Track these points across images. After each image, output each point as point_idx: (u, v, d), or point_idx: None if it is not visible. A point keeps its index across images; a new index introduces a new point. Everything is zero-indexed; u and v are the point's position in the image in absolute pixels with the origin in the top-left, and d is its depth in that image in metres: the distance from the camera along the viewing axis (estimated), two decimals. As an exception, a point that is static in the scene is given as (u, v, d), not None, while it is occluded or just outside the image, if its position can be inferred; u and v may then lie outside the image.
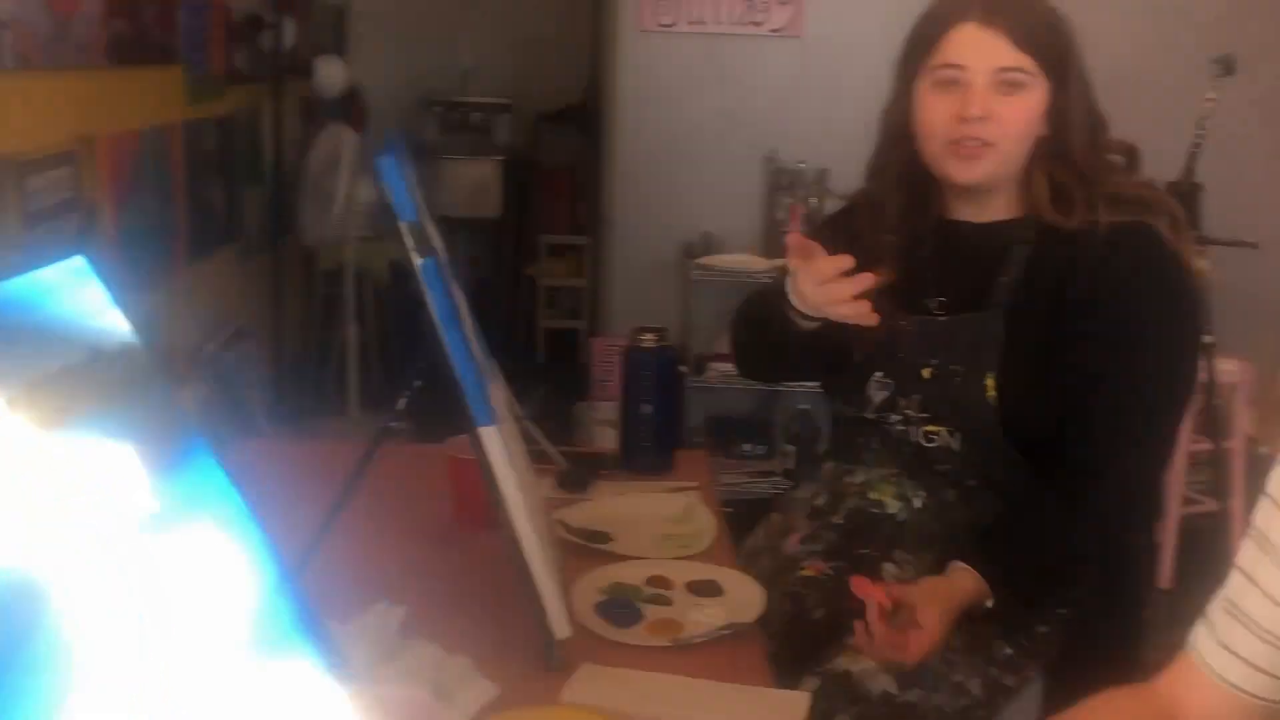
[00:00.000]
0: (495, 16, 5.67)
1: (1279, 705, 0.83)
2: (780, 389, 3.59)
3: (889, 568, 1.43)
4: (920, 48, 1.39)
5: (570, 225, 5.41)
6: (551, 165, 5.54)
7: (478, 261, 5.74)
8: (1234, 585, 0.85)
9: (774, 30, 3.57)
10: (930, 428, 1.44)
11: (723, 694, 1.10)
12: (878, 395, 1.47)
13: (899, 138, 1.44)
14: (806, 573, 1.45)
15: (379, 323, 4.53)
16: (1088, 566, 1.41)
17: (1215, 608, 0.87)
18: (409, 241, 0.98)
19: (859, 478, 1.53)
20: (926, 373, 1.43)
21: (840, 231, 1.52)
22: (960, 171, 1.38)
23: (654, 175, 3.66)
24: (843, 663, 1.32)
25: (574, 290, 5.28)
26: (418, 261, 0.98)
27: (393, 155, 0.97)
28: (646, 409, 1.66)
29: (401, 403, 1.21)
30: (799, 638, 1.38)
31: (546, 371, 4.90)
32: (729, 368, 3.46)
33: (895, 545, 1.46)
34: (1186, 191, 3.06)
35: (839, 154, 3.53)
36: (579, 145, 5.47)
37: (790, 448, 3.54)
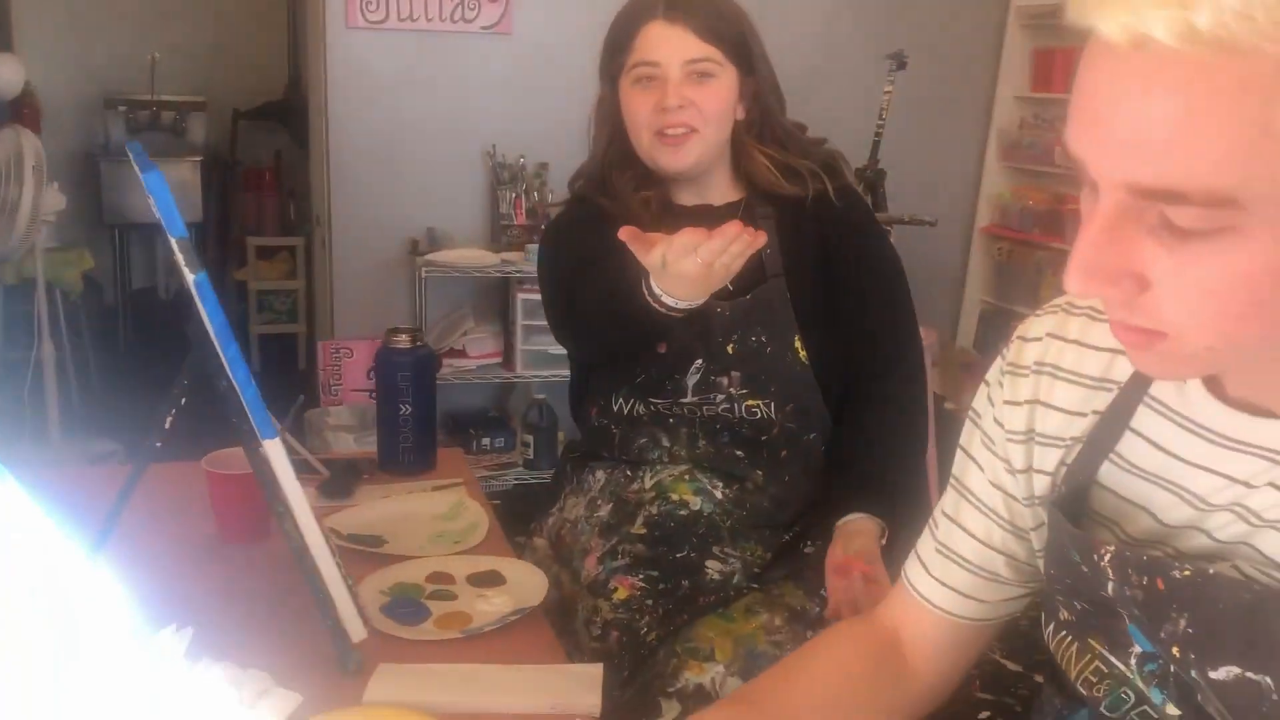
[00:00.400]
0: (183, 8, 5.36)
1: (980, 623, 0.96)
2: (515, 380, 3.65)
3: (713, 566, 1.48)
4: (616, 49, 1.49)
5: (280, 226, 5.21)
6: (253, 164, 5.32)
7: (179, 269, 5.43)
8: (941, 528, 0.98)
9: (484, 27, 3.60)
10: (751, 402, 1.53)
11: (520, 675, 1.15)
12: (692, 379, 1.54)
13: (615, 134, 1.54)
14: (620, 594, 1.45)
15: (75, 339, 4.20)
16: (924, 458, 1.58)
17: (925, 548, 0.99)
18: (181, 257, 0.96)
19: (648, 482, 1.56)
20: (731, 348, 1.52)
21: (585, 229, 1.59)
22: (670, 161, 1.49)
23: (372, 173, 3.60)
24: (691, 678, 1.33)
25: (288, 293, 5.10)
26: (190, 276, 0.96)
27: (156, 169, 0.94)
28: (405, 409, 1.67)
29: (168, 420, 1.17)
30: (640, 663, 1.37)
31: (262, 379, 4.70)
32: (464, 363, 3.49)
33: (712, 542, 1.50)
34: (873, 177, 3.37)
35: (556, 147, 3.65)
36: (282, 143, 5.29)
37: (529, 438, 3.60)
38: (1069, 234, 3.88)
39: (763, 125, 1.53)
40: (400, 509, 1.56)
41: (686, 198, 1.56)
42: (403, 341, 1.67)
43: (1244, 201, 0.55)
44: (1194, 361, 0.66)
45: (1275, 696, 0.66)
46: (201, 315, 1.01)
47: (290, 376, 4.82)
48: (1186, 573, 0.69)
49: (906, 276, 1.63)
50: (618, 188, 1.55)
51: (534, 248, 3.51)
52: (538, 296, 3.45)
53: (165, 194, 0.93)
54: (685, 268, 1.27)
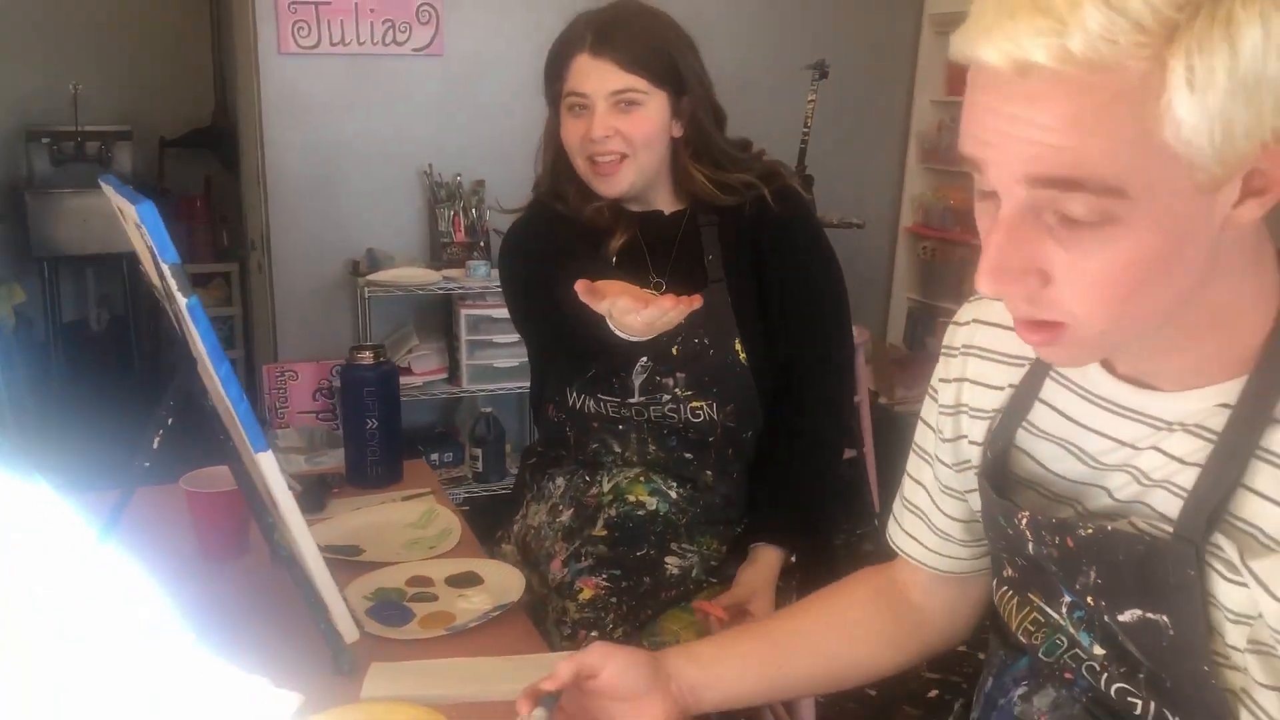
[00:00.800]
0: (105, 38, 5.32)
1: (963, 575, 1.06)
2: (461, 395, 3.70)
3: (672, 561, 1.56)
4: (552, 77, 1.56)
5: (214, 252, 5.19)
6: (182, 192, 5.28)
7: (110, 300, 5.38)
8: (907, 487, 1.09)
9: (416, 49, 3.65)
10: (695, 403, 1.59)
11: (507, 665, 1.22)
12: (639, 379, 1.59)
13: (559, 152, 1.61)
14: (585, 594, 1.52)
15: (10, 373, 4.15)
16: (838, 483, 1.65)
17: (898, 507, 1.10)
18: (173, 283, 1.01)
19: (605, 486, 1.63)
20: (675, 350, 1.58)
21: (537, 240, 1.67)
22: (603, 187, 1.56)
23: (310, 196, 3.63)
24: None
25: (224, 319, 5.07)
26: (183, 301, 1.02)
27: (148, 200, 1.00)
28: (371, 424, 1.72)
29: (156, 441, 1.22)
30: None
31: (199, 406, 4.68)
32: (409, 380, 3.53)
33: (670, 539, 1.58)
34: (801, 182, 3.48)
35: (492, 164, 3.72)
36: (212, 169, 5.26)
37: (478, 451, 3.64)
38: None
39: (699, 142, 1.58)
40: (373, 519, 1.62)
41: (635, 206, 1.64)
42: (366, 358, 1.73)
43: (1129, 192, 0.64)
44: (1091, 347, 0.76)
45: (1172, 633, 0.76)
46: (193, 338, 1.06)
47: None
48: (1090, 530, 0.80)
49: (841, 274, 1.68)
50: (570, 198, 1.62)
51: (475, 264, 3.57)
52: (480, 312, 3.56)
53: (157, 223, 0.99)
54: (629, 322, 1.36)
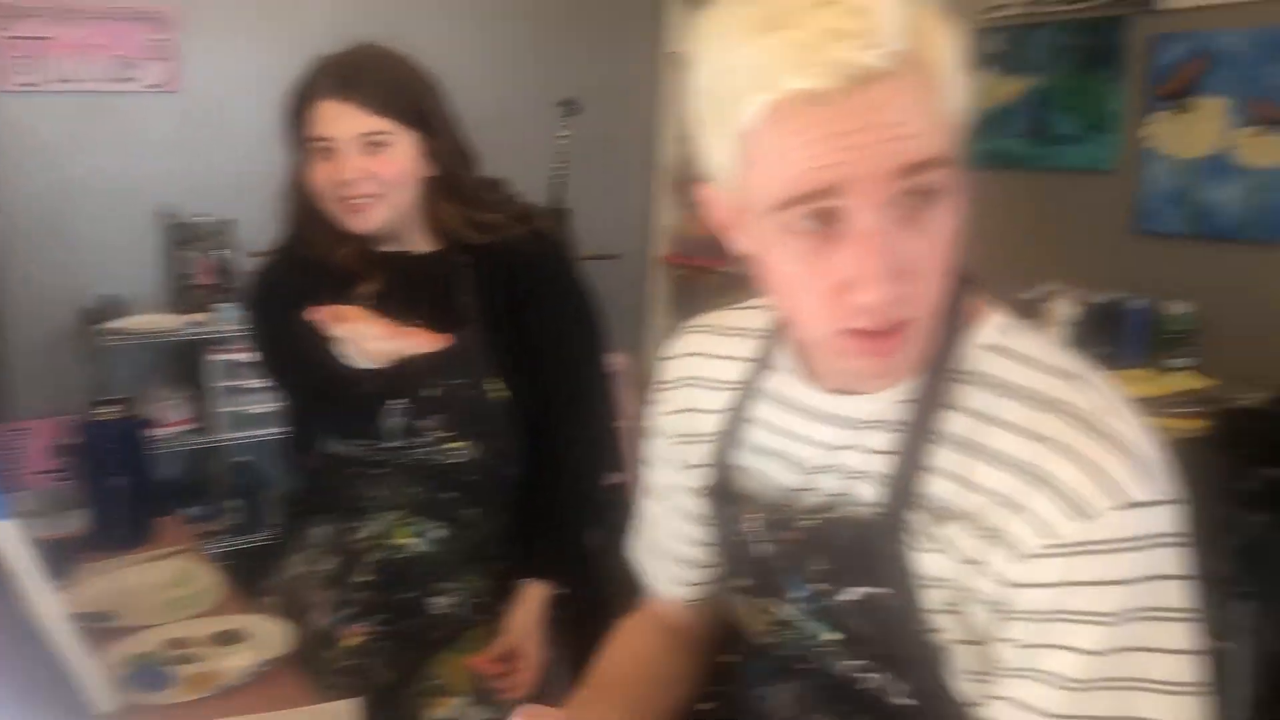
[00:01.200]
0: None
1: (707, 599, 1.12)
2: (214, 445, 3.54)
3: (440, 601, 1.55)
4: (294, 121, 1.51)
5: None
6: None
7: None
8: (645, 526, 1.15)
9: (150, 86, 3.49)
10: (453, 444, 1.57)
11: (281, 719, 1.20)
12: (393, 423, 1.56)
13: (306, 195, 1.56)
14: (353, 641, 1.51)
15: None
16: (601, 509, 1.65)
17: (640, 546, 1.16)
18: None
19: (365, 532, 1.61)
20: (436, 391, 1.56)
21: (286, 284, 1.62)
22: (355, 224, 1.53)
23: (39, 242, 3.39)
24: (436, 715, 1.42)
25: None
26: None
27: None
28: (119, 481, 1.65)
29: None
30: (384, 707, 1.40)
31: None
32: (158, 432, 3.35)
33: (435, 579, 1.57)
34: (556, 216, 3.56)
35: (242, 203, 3.59)
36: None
37: (236, 502, 3.50)
38: (730, 258, 4.25)
39: (449, 181, 1.57)
40: (125, 582, 1.55)
41: (389, 245, 1.61)
42: (109, 413, 1.65)
43: (952, 159, 0.76)
44: (915, 344, 0.82)
45: (893, 604, 0.86)
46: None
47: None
48: (812, 521, 0.90)
49: (594, 309, 1.70)
50: (317, 242, 1.58)
51: (222, 306, 3.44)
52: (231, 357, 3.41)
53: None
54: (372, 348, 1.38)
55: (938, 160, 0.75)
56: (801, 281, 0.79)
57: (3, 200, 3.35)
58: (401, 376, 1.54)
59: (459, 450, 1.58)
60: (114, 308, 3.41)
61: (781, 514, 0.93)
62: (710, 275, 4.45)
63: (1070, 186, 3.27)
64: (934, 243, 0.77)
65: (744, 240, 0.84)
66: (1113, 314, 2.96)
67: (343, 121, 1.46)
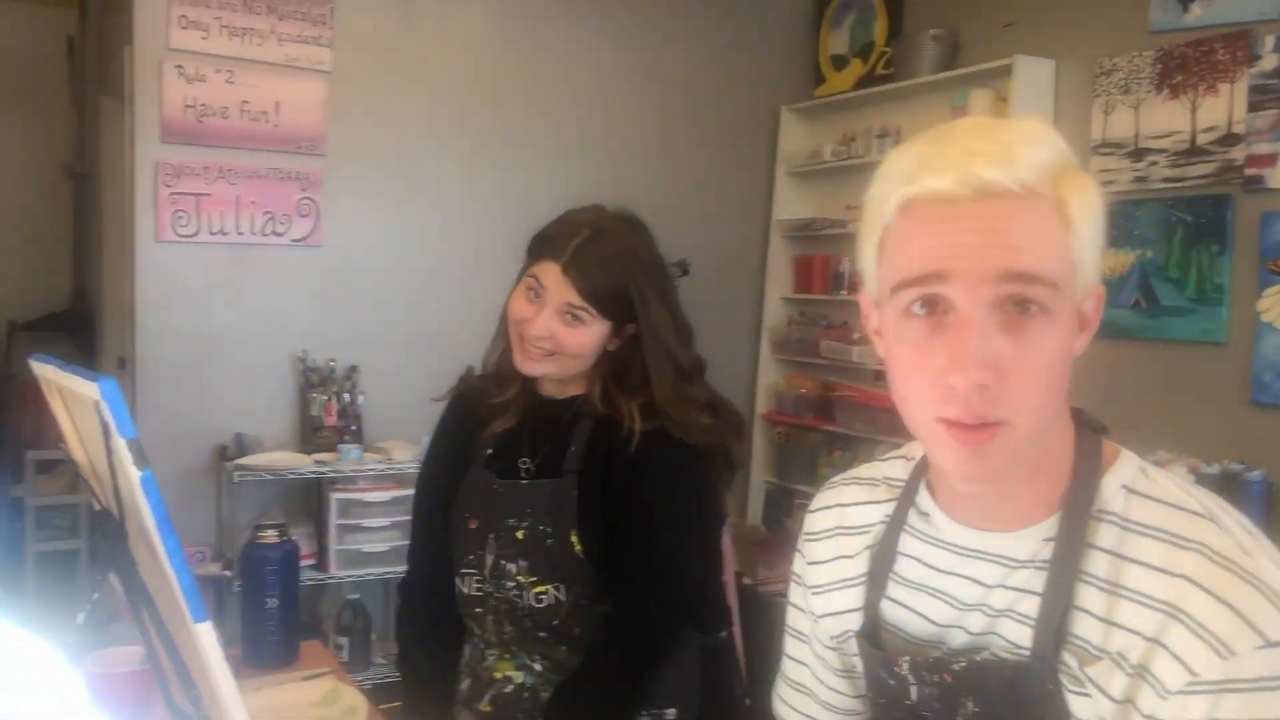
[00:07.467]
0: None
1: None
2: (327, 581, 3.64)
3: None
4: (529, 254, 1.65)
5: (59, 438, 5.01)
6: (31, 378, 5.13)
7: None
8: (789, 668, 1.19)
9: (295, 240, 3.75)
10: (539, 588, 1.62)
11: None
12: (489, 558, 1.65)
13: (505, 327, 1.70)
14: None
15: None
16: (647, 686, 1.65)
17: (786, 691, 1.20)
18: (129, 456, 1.06)
19: (489, 660, 1.68)
20: (520, 534, 1.63)
21: (458, 408, 1.78)
22: (524, 366, 1.64)
23: (179, 382, 3.61)
24: None
25: (69, 508, 4.87)
26: (137, 474, 1.07)
27: (111, 377, 1.06)
28: (272, 603, 1.74)
29: (81, 617, 1.23)
30: None
31: (40, 598, 4.44)
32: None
33: (538, 711, 1.61)
34: (739, 428, 3.64)
35: (364, 351, 3.79)
36: (65, 354, 5.15)
37: (343, 640, 3.57)
38: (839, 417, 4.32)
39: (624, 366, 1.65)
40: (275, 700, 1.61)
41: (545, 387, 1.72)
42: (270, 537, 1.75)
43: (1061, 286, 0.83)
44: (1019, 448, 0.87)
45: None
46: (144, 512, 1.10)
47: (71, 594, 4.55)
48: (963, 664, 0.93)
49: (692, 503, 1.65)
50: (502, 369, 1.71)
51: (346, 448, 3.60)
52: (350, 495, 3.54)
53: (118, 399, 1.04)
54: None
55: (1043, 278, 0.82)
56: (912, 365, 0.87)
57: (151, 342, 3.58)
58: (491, 509, 1.64)
59: (543, 594, 1.62)
60: (245, 445, 3.59)
61: (930, 655, 0.97)
62: (810, 433, 4.51)
63: (1183, 357, 3.30)
64: (1033, 354, 0.83)
65: (879, 341, 0.93)
66: (1229, 483, 2.94)
67: (558, 287, 1.58)
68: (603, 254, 1.60)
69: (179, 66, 3.54)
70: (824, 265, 4.55)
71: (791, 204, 4.70)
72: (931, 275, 0.84)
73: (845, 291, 4.41)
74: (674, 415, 1.62)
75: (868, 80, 4.47)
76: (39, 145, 5.35)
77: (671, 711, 1.66)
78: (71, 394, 1.23)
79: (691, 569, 1.68)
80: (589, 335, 1.61)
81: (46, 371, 1.34)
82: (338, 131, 3.81)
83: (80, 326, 5.17)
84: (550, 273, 1.59)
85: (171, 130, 3.55)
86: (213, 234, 3.62)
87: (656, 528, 1.61)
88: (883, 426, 4.08)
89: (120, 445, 1.08)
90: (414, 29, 3.95)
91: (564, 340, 1.60)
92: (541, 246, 1.63)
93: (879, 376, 4.31)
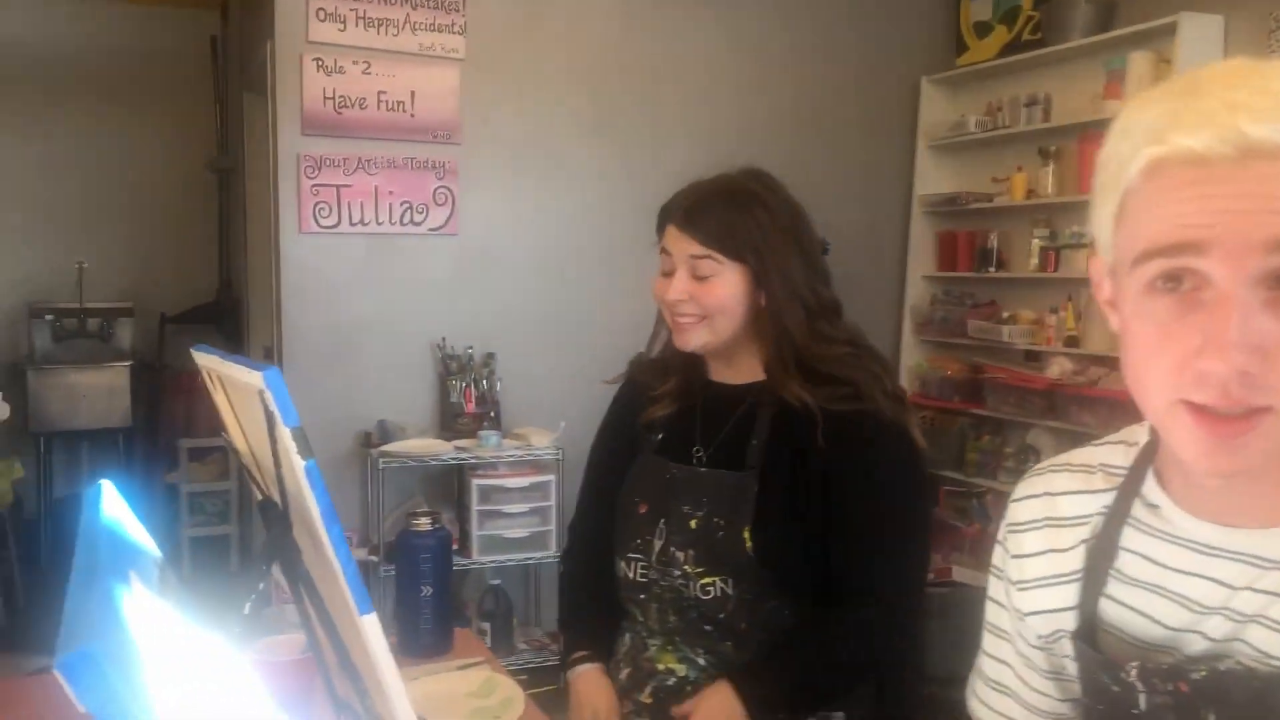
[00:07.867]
0: (109, 218, 5.46)
1: None
2: (469, 567, 3.66)
3: None
4: (657, 231, 1.64)
5: (212, 427, 5.19)
6: (183, 368, 5.33)
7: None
8: (988, 667, 1.09)
9: (432, 229, 3.77)
10: (706, 580, 1.57)
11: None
12: (657, 544, 1.61)
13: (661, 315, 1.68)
14: None
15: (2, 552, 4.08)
16: (861, 674, 1.60)
17: (980, 687, 1.10)
18: (294, 446, 1.03)
19: (651, 650, 1.64)
20: (694, 524, 1.58)
21: (628, 391, 1.78)
22: (679, 340, 1.61)
23: (324, 371, 3.67)
24: None
25: (220, 494, 5.04)
26: (301, 464, 1.04)
27: (273, 366, 1.03)
28: (427, 591, 1.72)
29: (248, 607, 1.21)
30: None
31: (196, 583, 4.60)
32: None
33: None
34: (899, 397, 3.55)
35: (501, 338, 3.80)
36: (213, 345, 5.33)
37: (485, 625, 3.58)
38: (988, 400, 4.15)
39: (779, 319, 1.56)
40: (431, 689, 1.59)
41: (716, 371, 1.68)
42: (424, 525, 1.73)
43: None
44: (1262, 443, 0.75)
45: None
46: (308, 501, 1.08)
47: (223, 579, 4.71)
48: (1203, 673, 0.82)
49: (915, 494, 1.59)
50: (667, 352, 1.70)
51: (486, 433, 3.61)
52: (491, 481, 3.55)
53: (282, 388, 1.02)
54: None
55: None
56: (1154, 346, 0.76)
57: (295, 333, 3.65)
58: (669, 493, 1.61)
59: (710, 586, 1.57)
60: (388, 432, 3.63)
61: (1163, 662, 0.86)
62: (957, 416, 4.35)
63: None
64: None
65: (1112, 314, 0.83)
66: None
67: (680, 244, 1.58)
68: (716, 198, 1.58)
69: (317, 59, 3.59)
70: (969, 241, 4.37)
71: (934, 178, 4.53)
72: (1185, 245, 0.73)
73: (993, 269, 4.23)
74: (814, 350, 1.56)
75: (1014, 47, 4.26)
76: (185, 143, 5.53)
77: (839, 715, 1.59)
78: (234, 383, 1.22)
79: (925, 550, 1.63)
80: (725, 286, 1.56)
81: (209, 361, 1.33)
82: (471, 119, 3.81)
83: (227, 318, 5.33)
84: (671, 235, 1.59)
85: (312, 122, 3.60)
86: (353, 224, 3.66)
87: (881, 512, 1.54)
88: (1036, 410, 3.90)
89: (285, 434, 1.05)
90: (543, 12, 3.92)
91: (702, 297, 1.56)
92: (662, 216, 1.63)
93: (1030, 357, 4.12)
